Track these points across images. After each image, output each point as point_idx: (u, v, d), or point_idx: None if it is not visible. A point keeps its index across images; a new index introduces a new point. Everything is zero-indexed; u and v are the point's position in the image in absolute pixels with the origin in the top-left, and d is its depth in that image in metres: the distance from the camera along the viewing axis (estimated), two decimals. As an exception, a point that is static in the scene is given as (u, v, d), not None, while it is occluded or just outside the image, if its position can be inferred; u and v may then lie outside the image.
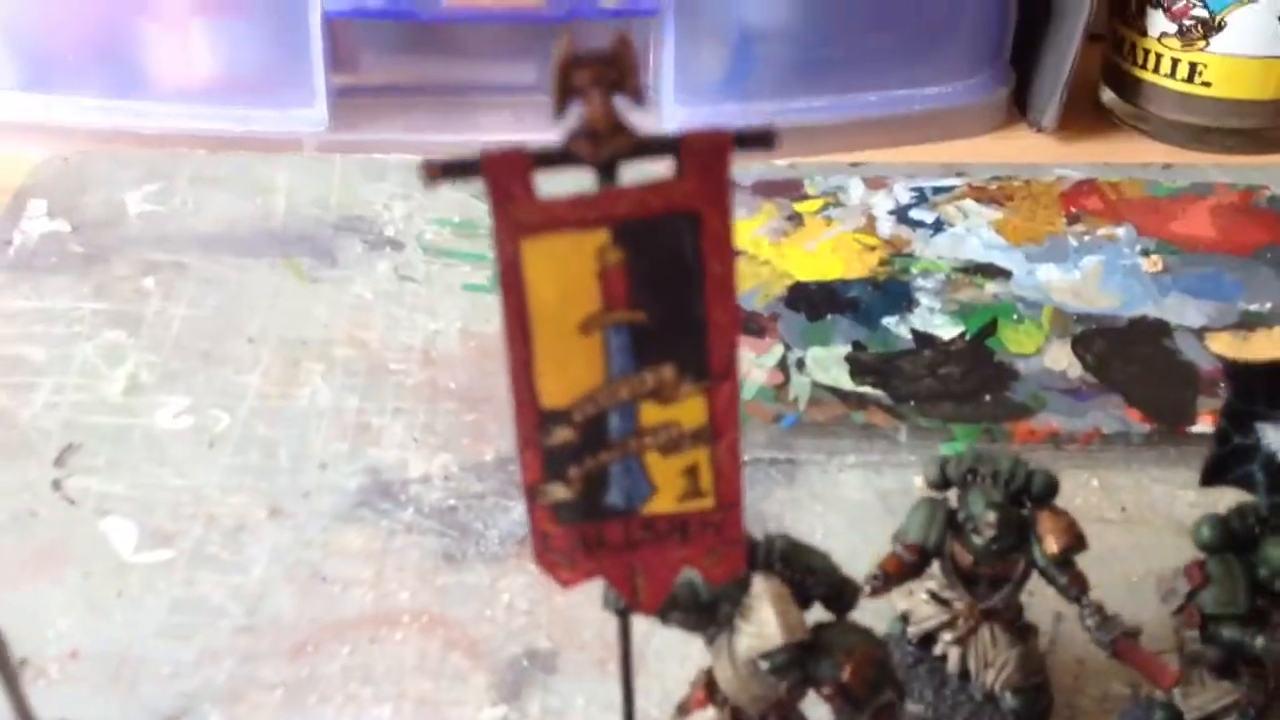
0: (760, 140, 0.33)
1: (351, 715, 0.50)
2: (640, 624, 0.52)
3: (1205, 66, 0.86)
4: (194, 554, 0.57)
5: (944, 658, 0.50)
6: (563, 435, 0.36)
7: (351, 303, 0.72)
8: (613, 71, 0.32)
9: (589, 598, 0.54)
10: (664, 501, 0.38)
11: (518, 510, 0.59)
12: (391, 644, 0.53)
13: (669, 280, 0.34)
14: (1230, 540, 0.45)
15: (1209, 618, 0.44)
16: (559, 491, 0.37)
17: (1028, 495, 0.48)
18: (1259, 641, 0.43)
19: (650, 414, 0.36)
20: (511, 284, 0.33)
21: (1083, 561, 0.53)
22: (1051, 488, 0.48)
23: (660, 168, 0.33)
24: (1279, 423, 0.43)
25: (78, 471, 0.60)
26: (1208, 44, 0.86)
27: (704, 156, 0.33)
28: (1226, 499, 0.46)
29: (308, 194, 0.81)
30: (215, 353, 0.68)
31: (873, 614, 0.51)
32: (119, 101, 0.85)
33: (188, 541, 0.57)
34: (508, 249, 0.33)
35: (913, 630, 0.51)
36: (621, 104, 0.33)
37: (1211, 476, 0.45)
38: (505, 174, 0.32)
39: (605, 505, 0.37)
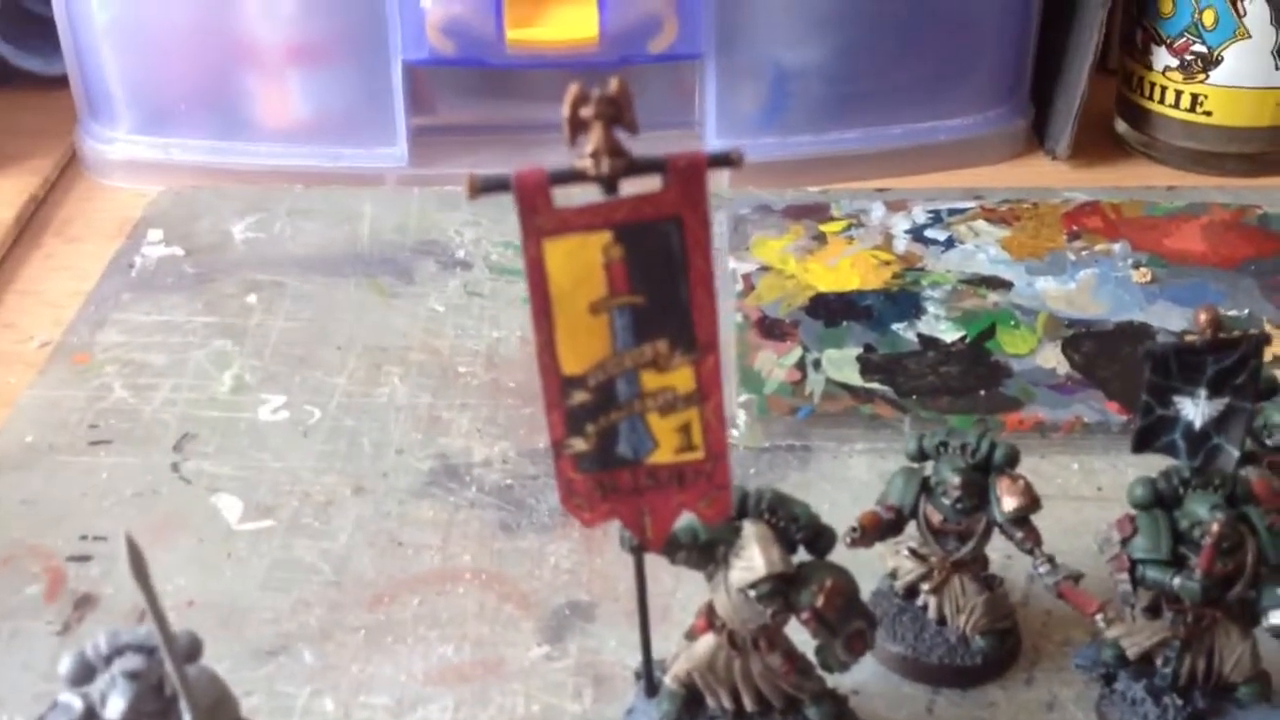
0: (728, 161, 0.42)
1: (421, 653, 0.60)
2: (667, 579, 0.62)
3: (1206, 97, 0.94)
4: (291, 523, 0.66)
5: (925, 607, 0.59)
6: (580, 398, 0.45)
7: (426, 315, 0.82)
8: (612, 109, 0.41)
9: (622, 560, 0.64)
10: (664, 454, 0.47)
11: (565, 488, 0.68)
12: (455, 596, 0.62)
13: (661, 271, 0.43)
14: (1158, 498, 0.52)
15: (1136, 562, 0.52)
16: (579, 445, 0.46)
17: (990, 464, 0.56)
18: (1176, 581, 0.51)
19: (650, 380, 0.45)
20: (536, 276, 0.43)
21: (1059, 531, 0.61)
22: (1011, 457, 0.56)
23: (652, 183, 0.43)
24: (1194, 397, 0.51)
25: (192, 456, 0.71)
26: (1207, 77, 0.93)
27: (684, 173, 0.42)
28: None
29: (389, 222, 0.91)
30: (308, 358, 0.78)
31: (870, 574, 0.59)
32: (225, 143, 0.96)
33: (285, 513, 0.67)
34: (532, 248, 0.42)
35: (899, 584, 0.59)
36: (620, 133, 0.42)
37: (1140, 445, 0.53)
38: (530, 189, 0.42)
39: (616, 456, 0.47)
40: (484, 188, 0.41)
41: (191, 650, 0.45)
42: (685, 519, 0.49)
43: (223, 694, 0.46)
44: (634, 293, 0.43)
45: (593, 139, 0.42)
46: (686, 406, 0.46)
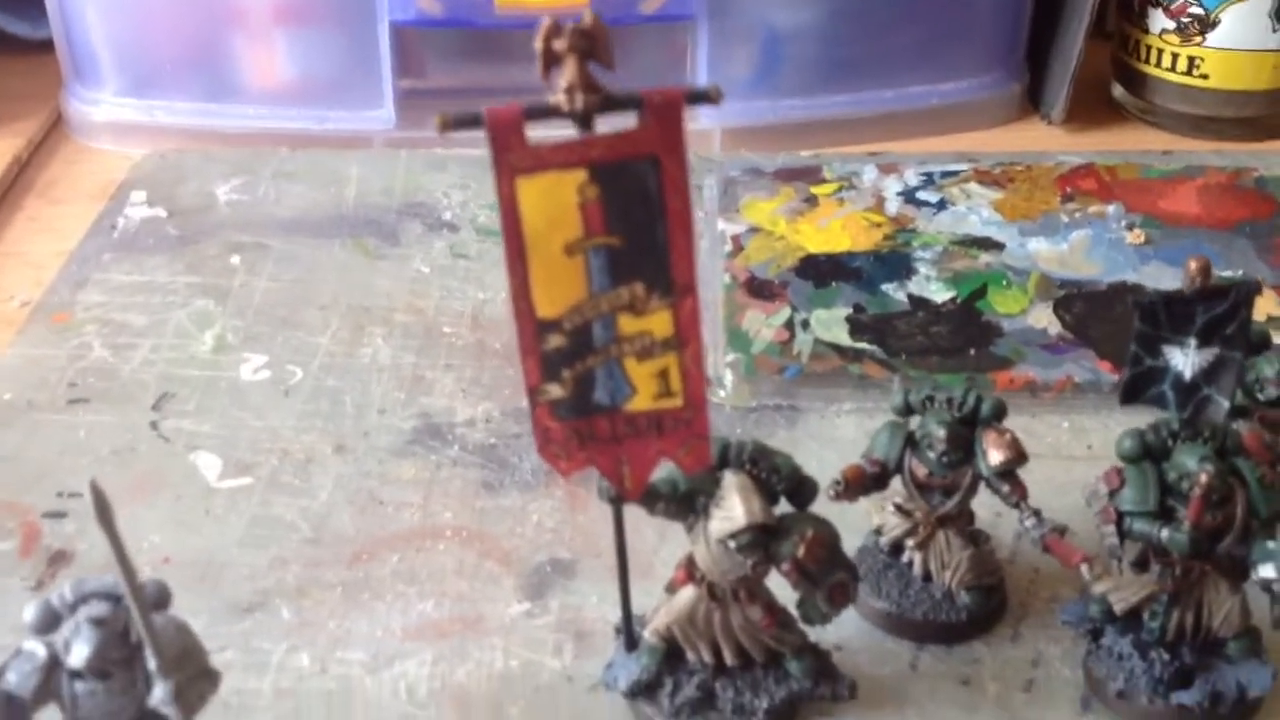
0: (705, 97, 0.41)
1: (400, 609, 0.59)
2: (650, 536, 0.61)
3: (1203, 60, 0.93)
4: (270, 481, 0.66)
5: (910, 563, 0.58)
6: (556, 342, 0.44)
7: (411, 276, 0.81)
8: (586, 42, 0.40)
9: (605, 517, 0.63)
10: (642, 401, 0.46)
11: (549, 447, 0.67)
12: (435, 554, 0.62)
13: (637, 212, 0.42)
14: (1146, 451, 0.51)
15: (1124, 515, 0.51)
16: (555, 391, 0.45)
17: (977, 417, 0.55)
18: (1164, 534, 0.50)
19: (627, 324, 0.44)
20: (509, 216, 0.42)
21: (1049, 490, 0.60)
22: (998, 411, 0.55)
23: (629, 123, 0.42)
24: (1183, 347, 0.50)
25: (171, 415, 0.70)
26: (1204, 39, 0.92)
27: (661, 110, 0.41)
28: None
29: (376, 184, 0.90)
30: (291, 318, 0.77)
31: (855, 531, 0.59)
32: (210, 105, 0.95)
33: (265, 471, 0.66)
34: (505, 187, 0.41)
35: (884, 541, 0.58)
36: (595, 69, 0.41)
37: (1129, 396, 0.52)
38: (503, 125, 0.41)
39: (593, 403, 0.46)
40: (456, 123, 0.41)
41: (159, 599, 0.45)
42: (665, 470, 0.49)
43: (190, 643, 0.45)
44: (610, 234, 0.42)
45: (566, 73, 0.41)
46: (664, 352, 0.45)
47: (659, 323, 0.44)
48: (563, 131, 0.41)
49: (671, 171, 0.42)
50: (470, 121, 0.41)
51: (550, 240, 0.42)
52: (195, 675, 0.45)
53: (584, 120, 0.41)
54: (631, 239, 0.42)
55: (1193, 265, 0.49)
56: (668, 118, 0.41)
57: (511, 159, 0.41)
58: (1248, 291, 0.49)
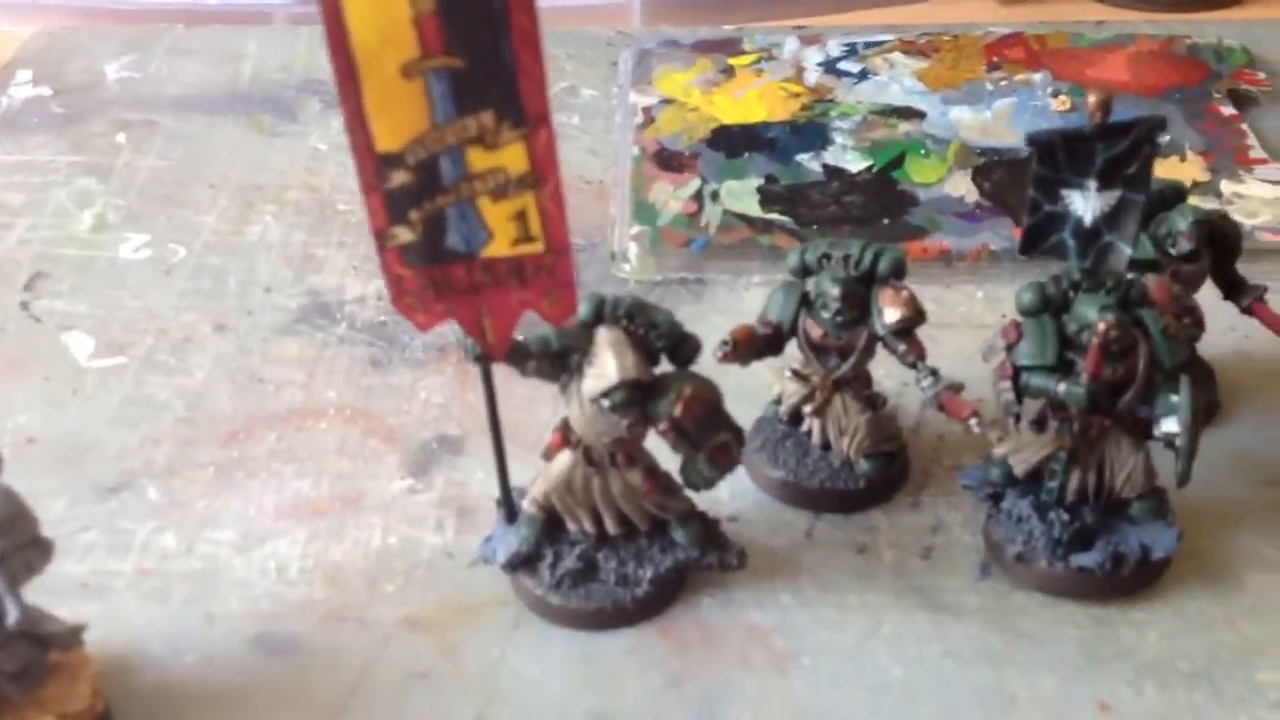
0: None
1: (275, 488, 0.56)
2: (544, 412, 0.58)
3: (1138, -74, 0.89)
4: (145, 361, 0.62)
5: (809, 432, 0.55)
6: (400, 179, 0.41)
7: (307, 153, 0.77)
8: None
9: (500, 395, 0.60)
10: (499, 245, 0.43)
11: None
12: (316, 432, 0.59)
13: (479, 29, 0.39)
14: (1046, 303, 0.49)
15: (1020, 369, 0.48)
16: (404, 234, 0.42)
17: (875, 275, 0.52)
18: (1062, 387, 0.47)
19: (477, 159, 0.41)
20: (335, 29, 0.38)
21: (960, 360, 0.58)
22: (897, 267, 0.52)
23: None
24: (1083, 189, 0.47)
25: (44, 295, 0.66)
26: (1139, -97, 0.89)
27: (501, -89, 0.37)
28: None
29: (275, 61, 0.86)
30: (177, 197, 0.73)
31: (757, 403, 0.56)
32: (102, -18, 0.91)
33: (139, 350, 0.63)
34: (329, -4, 0.38)
35: (783, 409, 0.56)
36: None
37: (1028, 246, 0.49)
38: (324, -70, 0.37)
39: (447, 249, 0.42)
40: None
41: (-16, 464, 0.42)
42: (537, 327, 0.46)
43: (18, 510, 0.42)
44: (450, 54, 0.39)
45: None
46: (520, 191, 0.41)
47: (512, 157, 0.41)
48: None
49: (516, -17, 0.38)
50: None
51: (384, 60, 0.39)
52: (23, 543, 0.42)
53: (415, -77, 0.37)
54: (474, 61, 0.39)
55: (1092, 100, 0.46)
56: (509, -80, 0.38)
57: (335, -34, 0.37)
58: (1150, 128, 0.46)
